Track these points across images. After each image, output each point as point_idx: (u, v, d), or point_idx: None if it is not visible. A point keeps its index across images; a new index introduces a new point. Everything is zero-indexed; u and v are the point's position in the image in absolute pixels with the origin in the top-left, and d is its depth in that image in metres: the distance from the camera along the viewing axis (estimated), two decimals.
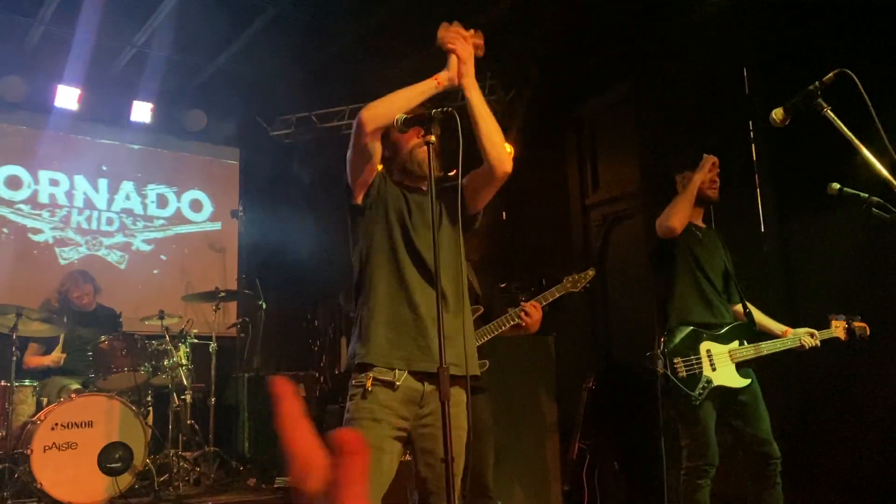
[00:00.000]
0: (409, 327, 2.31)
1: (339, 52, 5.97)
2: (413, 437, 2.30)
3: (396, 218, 2.42)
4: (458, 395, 2.23)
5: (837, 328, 3.51)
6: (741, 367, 3.37)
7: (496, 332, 3.20)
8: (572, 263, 5.95)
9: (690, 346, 3.33)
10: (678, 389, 3.28)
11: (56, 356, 5.12)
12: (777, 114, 2.24)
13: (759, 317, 3.57)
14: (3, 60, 5.93)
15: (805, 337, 3.45)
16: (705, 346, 3.33)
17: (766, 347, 3.41)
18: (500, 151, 2.50)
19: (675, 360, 3.29)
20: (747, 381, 3.35)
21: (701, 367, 3.28)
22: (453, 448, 2.10)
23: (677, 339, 3.37)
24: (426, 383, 2.28)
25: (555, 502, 4.95)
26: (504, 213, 6.09)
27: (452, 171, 2.46)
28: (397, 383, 2.24)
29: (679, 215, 3.40)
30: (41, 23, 5.49)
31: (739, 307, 3.55)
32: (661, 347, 3.36)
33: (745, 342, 3.41)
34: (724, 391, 3.32)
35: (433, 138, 2.28)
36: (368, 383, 2.22)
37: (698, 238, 3.53)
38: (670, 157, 5.18)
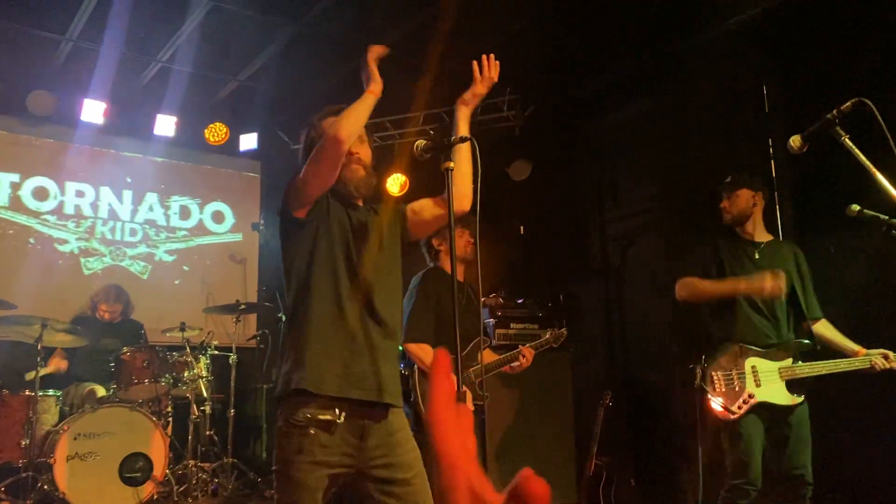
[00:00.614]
0: (344, 352, 2.21)
1: (358, 68, 6.03)
2: (363, 471, 2.19)
3: (339, 236, 2.35)
4: (401, 420, 2.28)
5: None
6: (794, 385, 3.30)
7: (495, 370, 3.57)
8: (590, 278, 5.96)
9: (734, 361, 3.32)
10: (715, 403, 3.27)
11: (56, 364, 5.19)
12: (795, 141, 2.25)
13: (832, 334, 3.48)
14: (32, 75, 6.07)
15: (877, 358, 3.29)
16: (751, 362, 3.31)
17: (827, 367, 3.29)
18: (468, 188, 2.49)
19: (715, 375, 3.29)
20: (798, 400, 3.29)
21: (744, 383, 3.26)
22: (414, 467, 2.19)
23: (720, 354, 3.36)
24: (366, 419, 2.19)
25: None
26: (522, 228, 6.11)
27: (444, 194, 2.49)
28: (338, 422, 2.13)
29: (696, 297, 3.53)
30: (69, 39, 5.60)
31: (816, 324, 3.48)
32: (703, 362, 3.35)
33: (800, 360, 3.34)
34: (771, 408, 3.27)
35: (452, 164, 2.31)
36: (310, 428, 2.11)
37: (752, 257, 3.50)
38: (689, 173, 5.19)
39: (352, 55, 5.87)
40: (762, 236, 3.60)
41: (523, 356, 3.50)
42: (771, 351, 3.35)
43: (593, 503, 4.96)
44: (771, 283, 3.35)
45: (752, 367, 3.30)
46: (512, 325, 5.10)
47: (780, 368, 3.31)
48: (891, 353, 3.34)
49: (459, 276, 3.48)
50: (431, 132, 6.21)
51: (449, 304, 3.03)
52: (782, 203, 4.94)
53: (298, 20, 5.41)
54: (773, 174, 5.02)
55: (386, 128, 6.62)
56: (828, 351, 3.43)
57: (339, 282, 2.28)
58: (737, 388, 3.26)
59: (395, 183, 6.82)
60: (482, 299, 5.17)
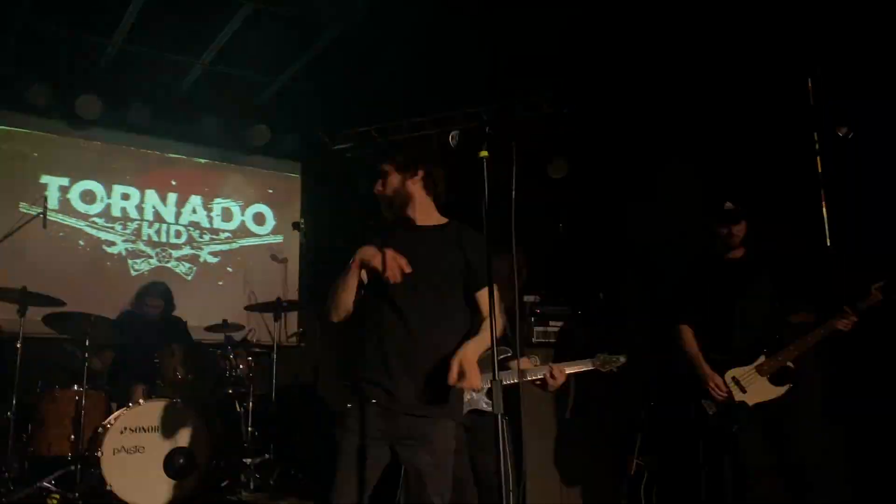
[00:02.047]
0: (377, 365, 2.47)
1: (399, 69, 6.07)
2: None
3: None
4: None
5: (875, 291, 3.46)
6: (778, 376, 3.51)
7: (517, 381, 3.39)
8: (631, 275, 5.88)
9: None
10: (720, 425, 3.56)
11: (103, 360, 5.31)
12: None
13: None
14: (79, 79, 6.23)
15: (838, 322, 3.44)
16: (729, 374, 3.56)
17: (795, 347, 3.49)
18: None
19: (705, 403, 3.60)
20: (784, 388, 3.50)
21: (731, 397, 3.53)
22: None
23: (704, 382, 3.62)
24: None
25: None
26: (561, 226, 6.07)
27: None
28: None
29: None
30: (115, 43, 5.75)
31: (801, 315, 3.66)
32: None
33: (769, 352, 3.53)
34: (766, 406, 3.49)
35: (486, 153, 2.31)
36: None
37: (730, 273, 3.70)
38: (731, 169, 5.10)
39: (390, 58, 5.94)
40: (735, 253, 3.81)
41: (552, 377, 3.33)
42: (740, 356, 3.58)
43: (635, 503, 4.90)
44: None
45: (732, 377, 3.55)
46: (551, 324, 5.07)
47: (756, 367, 3.54)
48: (845, 307, 3.48)
49: None
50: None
51: None
52: (828, 200, 4.83)
53: (340, 22, 5.47)
54: (819, 170, 4.91)
55: (425, 126, 6.66)
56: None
57: (378, 297, 2.61)
58: (729, 404, 3.53)
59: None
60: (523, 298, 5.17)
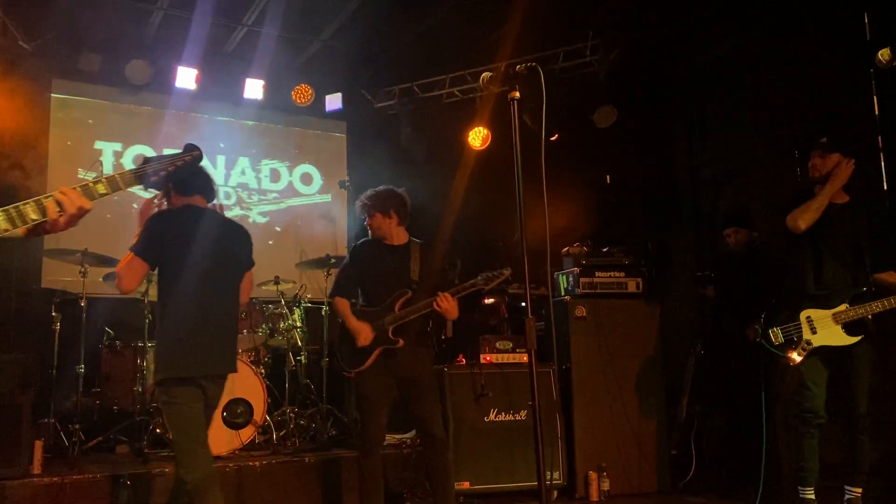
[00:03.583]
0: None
1: (438, 23, 6.02)
2: None
3: None
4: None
5: None
6: (852, 327, 3.57)
7: (410, 317, 3.67)
8: (679, 225, 5.81)
9: (790, 315, 3.65)
10: (773, 354, 3.65)
11: None
12: (884, 55, 2.12)
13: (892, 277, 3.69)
14: (127, 45, 6.35)
15: None
16: (805, 313, 3.63)
17: (878, 305, 3.56)
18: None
19: (772, 330, 3.65)
20: (855, 339, 3.57)
21: (800, 332, 3.60)
22: None
23: (778, 310, 3.71)
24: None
25: (662, 466, 4.91)
26: (608, 177, 6.00)
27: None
28: None
29: (807, 220, 3.63)
30: (160, 7, 5.83)
31: (884, 274, 3.69)
32: (762, 319, 3.72)
33: (853, 304, 3.59)
34: (831, 350, 3.58)
35: (517, 94, 2.31)
36: None
37: (827, 215, 3.67)
38: (784, 111, 4.95)
39: (428, 11, 5.89)
40: (841, 198, 3.76)
41: (438, 304, 3.57)
42: (825, 300, 3.62)
43: (685, 451, 4.91)
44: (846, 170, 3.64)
45: (807, 316, 3.62)
46: (597, 274, 5.04)
47: (833, 314, 3.59)
48: None
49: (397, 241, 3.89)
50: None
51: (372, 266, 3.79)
52: (886, 140, 4.67)
53: None
54: (876, 110, 4.73)
55: (466, 80, 6.60)
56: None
57: None
58: (794, 339, 3.61)
59: (477, 136, 6.80)
60: (566, 249, 5.15)
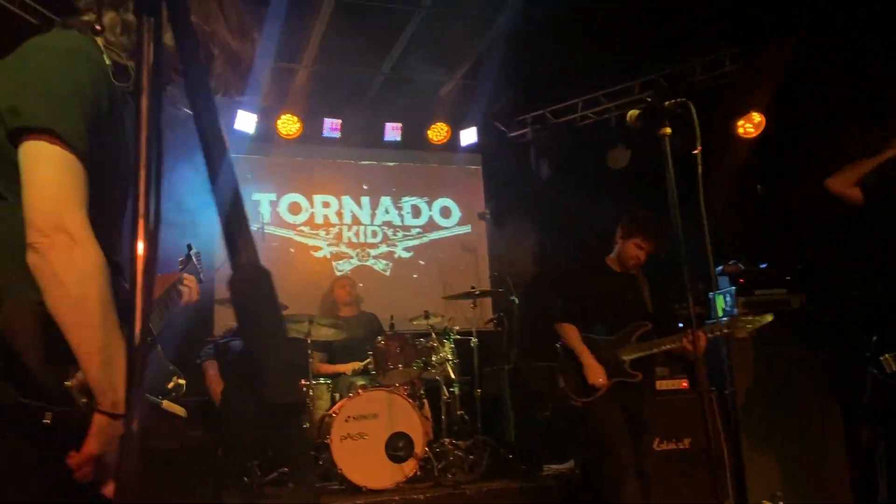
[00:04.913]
0: None
1: (566, 47, 6.02)
2: None
3: None
4: None
5: None
6: None
7: (653, 351, 3.45)
8: (840, 238, 5.41)
9: None
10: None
11: (352, 366, 5.77)
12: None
13: None
14: (277, 102, 6.83)
15: None
16: None
17: None
18: None
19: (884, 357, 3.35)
20: None
21: None
22: None
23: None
24: None
25: (843, 493, 4.55)
26: (759, 187, 5.72)
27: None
28: None
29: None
30: (304, 66, 6.24)
31: None
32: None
33: None
34: None
35: (669, 130, 2.27)
36: None
37: None
38: None
39: (556, 37, 5.91)
40: None
41: (688, 342, 3.27)
42: None
43: (868, 474, 4.53)
44: None
45: None
46: (756, 293, 4.80)
47: None
48: None
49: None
50: (649, 99, 6.02)
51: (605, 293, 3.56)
52: None
53: (503, 12, 5.54)
54: None
55: (600, 101, 6.55)
56: None
57: None
58: None
59: (622, 158, 6.61)
60: (722, 267, 4.95)
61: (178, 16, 0.83)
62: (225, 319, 6.58)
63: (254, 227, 5.98)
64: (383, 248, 7.66)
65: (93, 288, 1.24)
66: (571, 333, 3.62)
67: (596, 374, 3.48)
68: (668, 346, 3.38)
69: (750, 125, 5.73)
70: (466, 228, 7.91)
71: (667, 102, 2.30)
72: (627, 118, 2.39)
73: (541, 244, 6.85)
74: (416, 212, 7.88)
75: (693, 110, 2.25)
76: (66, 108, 1.29)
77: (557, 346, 3.81)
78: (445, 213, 7.96)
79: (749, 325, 3.37)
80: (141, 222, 0.83)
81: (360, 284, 6.79)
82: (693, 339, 2.95)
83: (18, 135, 1.28)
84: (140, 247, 0.82)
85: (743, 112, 5.73)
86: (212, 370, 5.39)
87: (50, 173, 1.25)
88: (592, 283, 3.69)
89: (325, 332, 5.55)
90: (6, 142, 1.30)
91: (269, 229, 7.03)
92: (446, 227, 7.93)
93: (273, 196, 7.40)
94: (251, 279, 0.72)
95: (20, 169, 1.27)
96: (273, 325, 0.73)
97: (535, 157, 7.64)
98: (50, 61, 1.34)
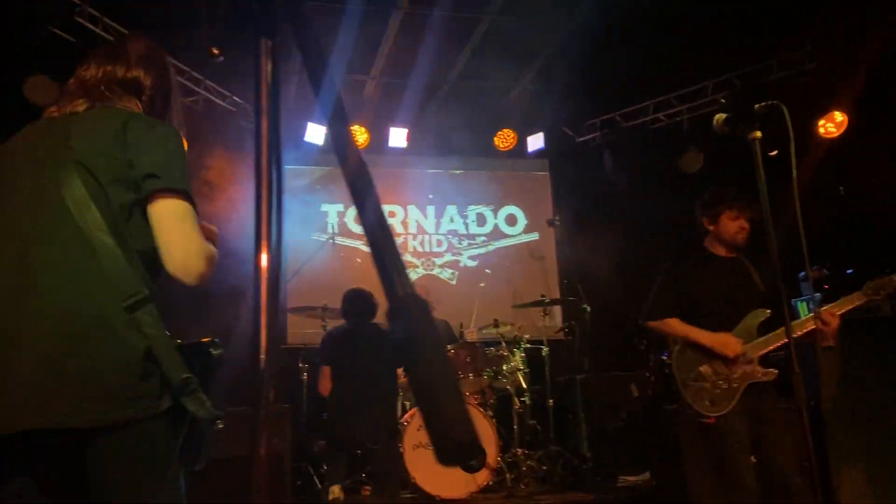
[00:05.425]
0: None
1: (635, 51, 5.93)
2: None
3: None
4: None
5: None
6: None
7: (780, 342, 2.93)
8: None
9: None
10: None
11: None
12: None
13: None
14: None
15: None
16: None
17: None
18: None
19: None
20: None
21: None
22: None
23: None
24: None
25: None
26: (842, 189, 5.49)
27: None
28: None
29: None
30: (373, 78, 6.32)
31: None
32: None
33: None
34: None
35: (759, 134, 2.20)
36: None
37: None
38: None
39: (624, 39, 5.82)
40: None
41: (823, 321, 2.87)
42: None
43: None
44: None
45: None
46: (842, 298, 4.59)
47: None
48: None
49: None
50: (723, 101, 5.87)
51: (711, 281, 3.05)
52: None
53: (570, 19, 5.49)
54: None
55: (672, 104, 6.41)
56: None
57: None
58: None
59: (695, 162, 6.43)
60: (802, 272, 4.76)
61: (301, 33, 0.83)
62: (296, 328, 6.70)
63: (323, 237, 6.18)
64: (448, 257, 7.66)
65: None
66: (675, 325, 3.13)
67: (726, 345, 2.96)
68: (800, 333, 2.91)
69: (832, 125, 5.52)
70: (534, 236, 7.85)
71: (757, 105, 2.22)
72: (714, 122, 2.31)
73: (617, 250, 6.71)
74: (482, 220, 7.86)
75: (786, 113, 2.17)
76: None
77: (655, 357, 3.43)
78: (511, 220, 7.92)
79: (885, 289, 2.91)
80: (263, 243, 0.84)
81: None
82: (821, 319, 2.82)
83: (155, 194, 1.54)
84: (263, 258, 0.84)
85: (824, 111, 5.51)
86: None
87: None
88: (690, 273, 3.20)
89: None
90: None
91: (337, 240, 7.12)
92: (512, 235, 7.88)
93: (341, 206, 7.49)
94: (413, 314, 0.71)
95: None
96: (443, 366, 0.71)
97: (609, 166, 7.50)
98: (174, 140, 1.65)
